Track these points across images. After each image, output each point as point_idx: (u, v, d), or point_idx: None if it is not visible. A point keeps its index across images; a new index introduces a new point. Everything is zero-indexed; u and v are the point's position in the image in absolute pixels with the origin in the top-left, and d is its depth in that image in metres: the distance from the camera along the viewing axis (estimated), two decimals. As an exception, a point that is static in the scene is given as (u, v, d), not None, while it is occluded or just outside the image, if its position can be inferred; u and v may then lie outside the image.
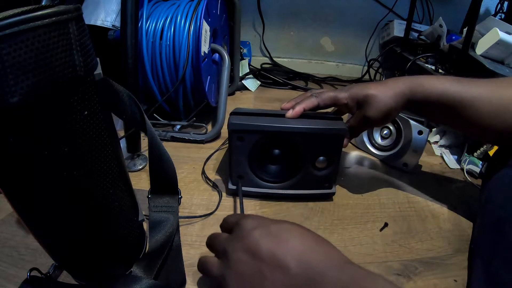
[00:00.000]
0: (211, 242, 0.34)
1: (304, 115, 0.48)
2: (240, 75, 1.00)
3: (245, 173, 0.49)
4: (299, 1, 1.12)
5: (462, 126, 0.44)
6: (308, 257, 0.25)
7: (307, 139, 0.47)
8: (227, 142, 0.59)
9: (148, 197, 0.41)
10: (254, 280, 0.26)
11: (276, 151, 0.49)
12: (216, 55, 0.75)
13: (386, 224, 0.48)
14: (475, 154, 0.64)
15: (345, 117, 0.56)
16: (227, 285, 0.28)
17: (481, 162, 0.63)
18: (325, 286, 0.23)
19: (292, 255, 0.25)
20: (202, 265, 0.33)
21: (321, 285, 0.23)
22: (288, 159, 0.49)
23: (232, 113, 0.49)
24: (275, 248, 0.26)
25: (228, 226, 0.32)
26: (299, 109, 0.47)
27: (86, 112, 0.24)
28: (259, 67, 1.14)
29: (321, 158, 0.48)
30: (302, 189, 0.51)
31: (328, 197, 0.53)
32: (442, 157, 0.69)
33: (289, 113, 0.47)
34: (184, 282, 0.36)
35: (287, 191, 0.51)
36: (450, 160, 0.67)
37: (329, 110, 0.53)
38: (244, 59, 1.06)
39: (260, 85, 1.04)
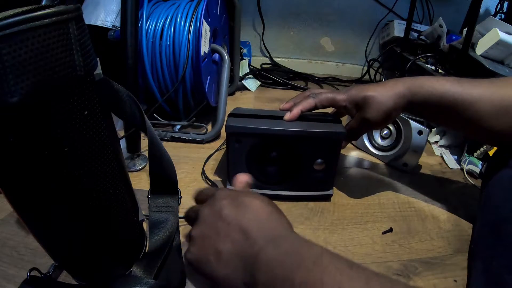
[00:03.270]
0: (187, 214, 0.36)
1: (302, 117, 0.48)
2: (240, 75, 1.00)
3: None
4: (299, 1, 1.12)
5: (462, 127, 0.44)
6: (260, 225, 0.28)
7: (305, 142, 0.46)
8: (227, 142, 0.59)
9: (148, 197, 0.41)
10: (212, 238, 0.29)
11: (274, 153, 0.49)
12: (216, 55, 0.75)
13: (391, 229, 0.48)
14: (475, 154, 0.64)
15: (345, 119, 0.56)
16: (191, 240, 0.31)
17: (481, 162, 0.63)
18: (267, 249, 0.26)
19: (247, 222, 0.28)
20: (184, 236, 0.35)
21: (265, 248, 0.26)
22: (286, 161, 0.49)
23: (230, 115, 0.49)
24: (234, 215, 0.29)
25: (203, 198, 0.34)
26: (296, 111, 0.47)
27: (86, 112, 0.24)
28: (259, 67, 1.14)
29: (319, 160, 0.48)
30: (300, 190, 0.51)
31: (326, 199, 0.53)
32: (442, 157, 0.69)
33: (287, 116, 0.47)
34: (184, 282, 0.36)
35: (284, 192, 0.51)
36: (450, 160, 0.67)
37: (329, 110, 0.53)
38: (244, 59, 1.06)
39: (260, 85, 1.04)
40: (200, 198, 0.35)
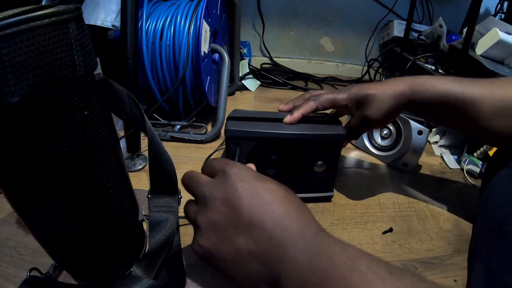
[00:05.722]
0: (189, 183, 0.32)
1: (301, 118, 0.47)
2: (240, 75, 1.00)
3: None
4: (299, 1, 1.12)
5: (463, 126, 0.44)
6: (285, 222, 0.25)
7: (305, 145, 0.46)
8: (227, 142, 0.59)
9: (148, 197, 0.41)
10: (227, 233, 0.26)
11: (274, 156, 0.49)
12: (216, 55, 0.75)
13: (391, 229, 0.48)
14: (475, 154, 0.64)
15: (344, 119, 0.56)
16: (200, 230, 0.28)
17: (481, 162, 0.63)
18: (295, 251, 0.23)
19: (270, 217, 0.25)
20: (184, 208, 0.32)
21: (292, 250, 0.23)
22: (286, 164, 0.49)
23: (229, 118, 0.48)
24: (255, 208, 0.25)
25: (211, 170, 0.31)
26: (297, 115, 0.46)
27: (86, 112, 0.24)
28: (259, 67, 1.14)
29: (320, 162, 0.47)
30: (300, 192, 0.50)
31: (327, 200, 0.53)
32: (442, 157, 0.69)
33: (287, 119, 0.46)
34: (184, 282, 0.36)
35: None
36: (450, 160, 0.67)
37: (328, 111, 0.53)
38: (244, 59, 1.06)
39: (260, 85, 1.04)
40: (208, 170, 0.31)
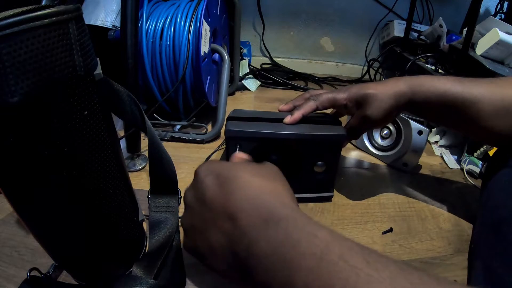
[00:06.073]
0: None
1: (301, 119, 0.47)
2: (240, 75, 1.00)
3: None
4: (299, 1, 1.12)
5: (463, 126, 0.44)
6: (250, 207, 0.23)
7: (305, 145, 0.46)
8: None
9: (148, 197, 0.41)
10: (200, 226, 0.26)
11: (274, 156, 0.49)
12: (216, 55, 0.75)
13: (391, 229, 0.48)
14: (475, 154, 0.64)
15: (344, 119, 0.56)
16: (184, 231, 0.29)
17: (481, 162, 0.63)
18: (258, 240, 0.22)
19: (234, 205, 0.24)
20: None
21: (255, 240, 0.22)
22: (286, 164, 0.49)
23: (229, 118, 0.48)
24: (218, 197, 0.25)
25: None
26: (297, 115, 0.46)
27: (86, 112, 0.24)
28: (259, 67, 1.14)
29: (320, 163, 0.47)
30: (300, 192, 0.50)
31: (327, 200, 0.53)
32: (442, 157, 0.69)
33: (288, 119, 0.46)
34: (184, 282, 0.36)
35: None
36: (450, 160, 0.67)
37: (328, 111, 0.53)
38: (244, 59, 1.06)
39: (260, 85, 1.04)
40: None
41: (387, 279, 0.17)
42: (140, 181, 0.54)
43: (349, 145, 0.69)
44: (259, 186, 0.25)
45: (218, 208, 0.25)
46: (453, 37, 0.86)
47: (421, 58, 0.87)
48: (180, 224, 0.31)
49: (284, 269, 0.19)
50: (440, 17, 0.86)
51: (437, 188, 0.58)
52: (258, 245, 0.21)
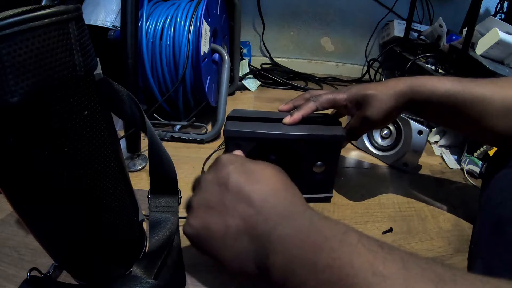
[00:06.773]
0: (192, 186, 0.34)
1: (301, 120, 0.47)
2: (240, 75, 1.00)
3: None
4: (299, 1, 1.12)
5: (463, 127, 0.44)
6: (273, 199, 0.25)
7: (304, 146, 0.46)
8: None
9: (148, 197, 0.41)
10: (217, 209, 0.26)
11: (273, 156, 0.49)
12: (216, 55, 0.75)
13: (391, 229, 0.48)
14: (475, 154, 0.64)
15: (344, 119, 0.56)
16: (191, 211, 0.28)
17: (481, 162, 0.63)
18: (283, 226, 0.23)
19: (258, 194, 0.25)
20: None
21: (280, 225, 0.23)
22: (285, 165, 0.49)
23: (228, 118, 0.48)
24: (243, 184, 0.26)
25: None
26: (297, 116, 0.46)
27: (86, 112, 0.24)
28: (259, 67, 1.14)
29: (319, 163, 0.47)
30: None
31: (326, 201, 0.53)
32: (442, 157, 0.69)
33: (287, 120, 0.46)
34: (184, 282, 0.36)
35: None
36: (450, 160, 0.67)
37: (328, 111, 0.53)
38: (244, 59, 1.06)
39: (260, 85, 1.04)
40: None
41: (399, 260, 0.19)
42: (140, 181, 0.54)
43: (349, 145, 0.69)
44: (283, 182, 0.27)
45: (242, 193, 0.25)
46: (453, 37, 0.86)
47: (421, 58, 0.87)
48: (186, 206, 0.30)
49: (306, 251, 0.21)
50: (440, 17, 0.86)
51: (437, 188, 0.58)
52: (282, 230, 0.23)
